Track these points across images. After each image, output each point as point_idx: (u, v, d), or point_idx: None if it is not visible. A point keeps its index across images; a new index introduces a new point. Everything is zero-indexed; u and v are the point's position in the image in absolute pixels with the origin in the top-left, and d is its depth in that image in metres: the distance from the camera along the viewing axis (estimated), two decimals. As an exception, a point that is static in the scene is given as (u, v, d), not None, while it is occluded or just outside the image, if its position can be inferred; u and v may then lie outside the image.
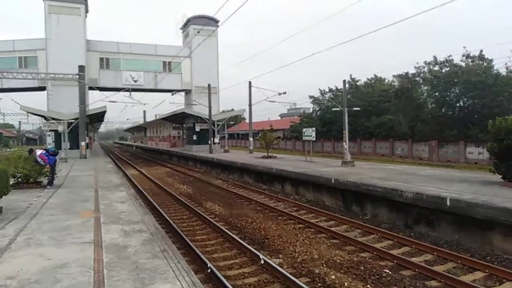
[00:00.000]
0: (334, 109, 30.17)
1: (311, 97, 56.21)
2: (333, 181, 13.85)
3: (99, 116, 40.84)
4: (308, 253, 8.32)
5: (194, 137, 40.26)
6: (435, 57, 39.90)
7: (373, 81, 53.19)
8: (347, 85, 31.34)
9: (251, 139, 35.90)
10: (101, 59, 39.06)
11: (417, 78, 42.03)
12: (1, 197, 9.84)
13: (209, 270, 7.12)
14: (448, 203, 9.19)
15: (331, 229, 10.44)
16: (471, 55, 37.52)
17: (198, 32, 31.83)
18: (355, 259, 7.96)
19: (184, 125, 45.87)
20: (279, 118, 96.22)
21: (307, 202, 14.91)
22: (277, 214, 12.67)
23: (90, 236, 7.27)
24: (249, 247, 8.62)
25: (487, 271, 7.24)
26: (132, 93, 38.00)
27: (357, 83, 52.80)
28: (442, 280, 6.82)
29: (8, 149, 62.68)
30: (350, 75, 52.86)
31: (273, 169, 18.55)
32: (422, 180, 12.71)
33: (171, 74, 41.10)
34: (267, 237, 9.73)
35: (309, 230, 10.60)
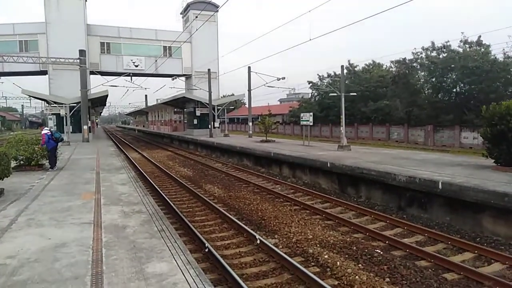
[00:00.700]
0: (331, 94, 30.20)
1: (309, 82, 56.07)
2: (329, 164, 14.03)
3: (101, 100, 40.95)
4: (303, 234, 8.53)
5: (195, 122, 40.41)
6: (432, 43, 39.68)
7: (371, 67, 52.95)
8: (345, 71, 31.31)
9: (250, 123, 36.04)
10: (102, 44, 38.87)
11: (415, 64, 41.93)
12: (3, 179, 10.06)
13: (206, 250, 7.35)
14: (440, 186, 9.36)
15: (326, 210, 10.65)
16: (469, 40, 37.30)
17: (196, 17, 31.62)
18: (348, 239, 8.16)
19: (185, 109, 45.95)
20: (278, 103, 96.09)
21: (303, 185, 15.12)
22: (274, 196, 12.89)
23: (90, 217, 7.49)
24: (246, 227, 8.86)
25: (476, 252, 7.41)
26: (133, 77, 37.97)
27: (355, 69, 52.61)
28: (432, 260, 7.00)
29: (12, 132, 62.93)
30: (349, 60, 52.44)
31: (271, 153, 18.74)
32: (416, 164, 12.85)
33: (172, 59, 41.01)
34: (264, 218, 9.94)
35: (305, 211, 10.82)
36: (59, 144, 15.78)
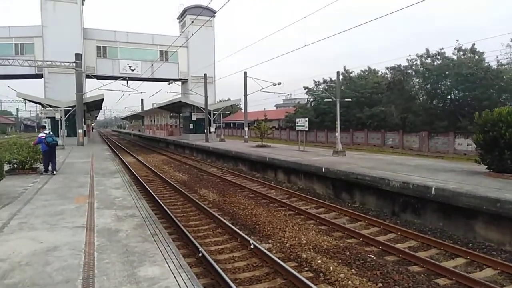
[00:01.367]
0: (327, 100, 30.40)
1: (305, 88, 56.42)
2: (323, 170, 14.07)
3: (96, 104, 40.83)
4: (296, 239, 8.52)
5: (191, 126, 40.39)
6: (427, 50, 40.19)
7: (366, 73, 53.41)
8: (341, 77, 31.52)
9: (246, 128, 36.08)
10: (98, 48, 38.93)
11: (409, 71, 42.42)
12: (-4, 183, 10.02)
13: (200, 254, 7.33)
14: (433, 192, 9.41)
15: (320, 216, 10.67)
16: (463, 48, 37.72)
17: (192, 22, 31.74)
18: (342, 244, 8.16)
19: (180, 114, 45.95)
20: (274, 108, 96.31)
21: (298, 190, 15.14)
22: (269, 201, 12.89)
23: (83, 221, 7.45)
24: (240, 232, 8.84)
25: (468, 257, 7.45)
26: (129, 82, 37.97)
27: (351, 75, 53.08)
28: (424, 266, 7.03)
29: (6, 136, 62.62)
30: (344, 66, 53.24)
31: (267, 158, 18.76)
32: (410, 170, 12.92)
33: (168, 63, 41.13)
34: (258, 223, 9.93)
35: (299, 216, 10.83)
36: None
